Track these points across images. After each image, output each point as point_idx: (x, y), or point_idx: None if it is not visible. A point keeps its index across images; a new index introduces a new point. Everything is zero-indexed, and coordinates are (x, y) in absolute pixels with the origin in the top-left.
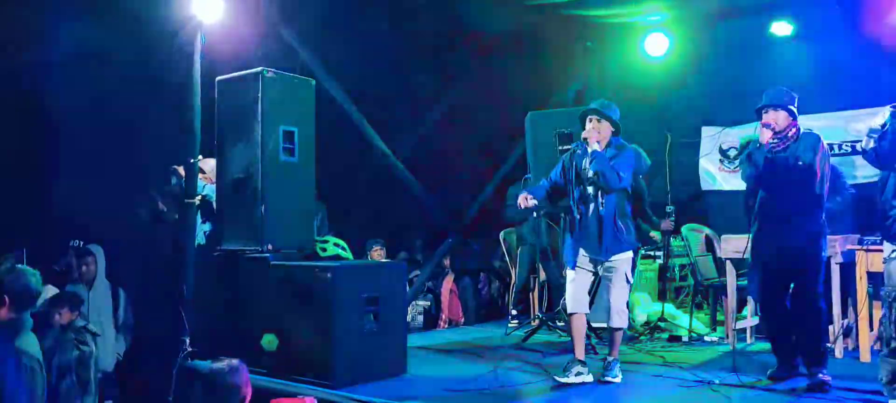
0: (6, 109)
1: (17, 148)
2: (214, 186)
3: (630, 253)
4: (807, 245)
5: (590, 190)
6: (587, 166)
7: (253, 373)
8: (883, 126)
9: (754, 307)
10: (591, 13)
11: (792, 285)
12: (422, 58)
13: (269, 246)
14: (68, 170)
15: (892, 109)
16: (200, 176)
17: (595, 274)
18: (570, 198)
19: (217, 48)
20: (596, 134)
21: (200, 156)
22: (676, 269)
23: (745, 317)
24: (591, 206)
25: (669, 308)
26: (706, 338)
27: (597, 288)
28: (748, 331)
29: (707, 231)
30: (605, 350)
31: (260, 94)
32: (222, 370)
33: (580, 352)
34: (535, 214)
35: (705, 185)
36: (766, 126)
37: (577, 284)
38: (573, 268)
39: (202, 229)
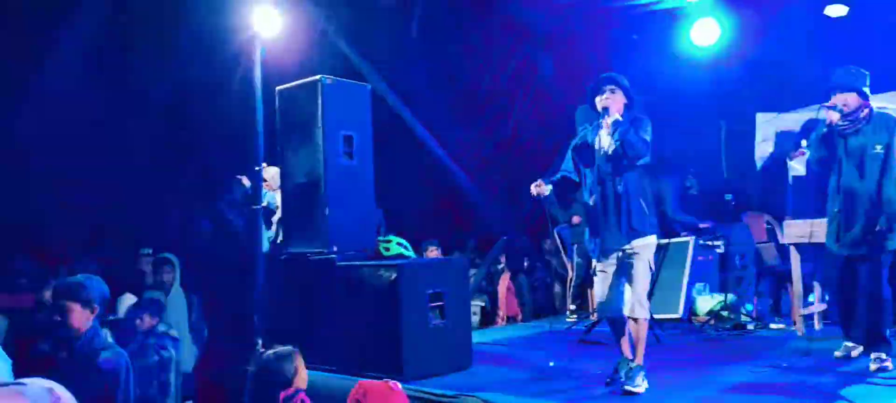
0: (80, 125)
1: (92, 161)
2: (275, 194)
3: (653, 238)
4: (878, 229)
5: (606, 167)
6: (603, 139)
7: (323, 371)
8: None
9: (820, 292)
10: (639, 1)
11: (864, 271)
12: (471, 56)
13: (335, 248)
14: (140, 181)
15: None
16: (263, 184)
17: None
18: (582, 185)
19: (277, 59)
20: (613, 104)
21: (264, 164)
22: (737, 257)
23: (812, 303)
24: (608, 186)
25: (732, 297)
26: (771, 326)
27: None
28: (816, 317)
29: (767, 217)
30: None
31: (320, 101)
32: (271, 356)
33: (627, 351)
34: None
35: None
36: (834, 108)
37: (603, 283)
38: (599, 262)
39: (266, 236)
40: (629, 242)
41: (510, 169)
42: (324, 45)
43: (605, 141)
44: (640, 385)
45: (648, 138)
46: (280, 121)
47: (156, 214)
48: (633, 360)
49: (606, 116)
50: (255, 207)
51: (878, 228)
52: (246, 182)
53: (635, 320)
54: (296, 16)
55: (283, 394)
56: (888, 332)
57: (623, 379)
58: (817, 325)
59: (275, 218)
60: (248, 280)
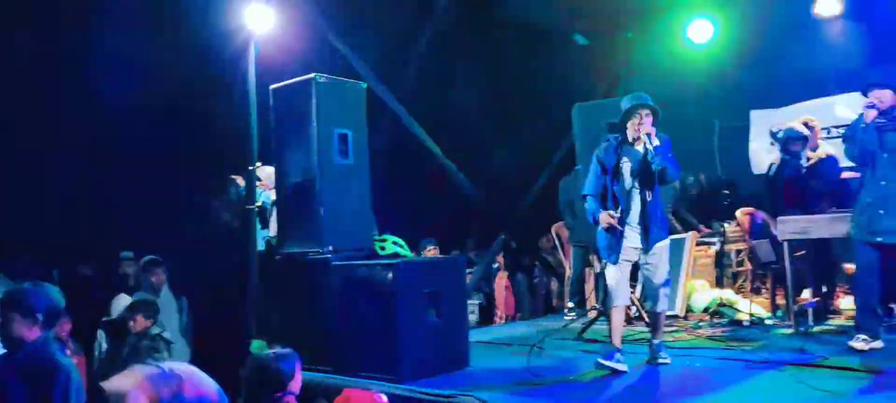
0: (67, 126)
1: (78, 163)
2: (270, 194)
3: (669, 240)
4: None
5: (635, 182)
6: (631, 160)
7: (319, 371)
8: None
9: (814, 288)
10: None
11: (890, 263)
12: (466, 55)
13: (330, 248)
14: (128, 181)
15: None
16: (257, 183)
17: (634, 263)
18: (608, 193)
19: (270, 58)
20: (650, 127)
21: (259, 164)
22: (733, 254)
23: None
24: (637, 198)
25: (728, 293)
26: (767, 322)
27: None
28: (809, 313)
29: (762, 214)
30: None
31: (314, 99)
32: (269, 355)
33: (619, 342)
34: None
35: (757, 169)
36: (871, 106)
37: (621, 277)
38: (615, 263)
39: (261, 236)
40: (653, 246)
41: (508, 168)
42: (318, 43)
43: (631, 160)
44: (667, 356)
45: (678, 164)
46: (274, 120)
47: (148, 214)
48: (656, 338)
49: (648, 140)
50: (249, 207)
51: None
52: (240, 181)
53: (661, 312)
54: (290, 13)
55: (274, 395)
56: None
57: (654, 355)
58: (811, 321)
59: (273, 218)
60: (242, 280)
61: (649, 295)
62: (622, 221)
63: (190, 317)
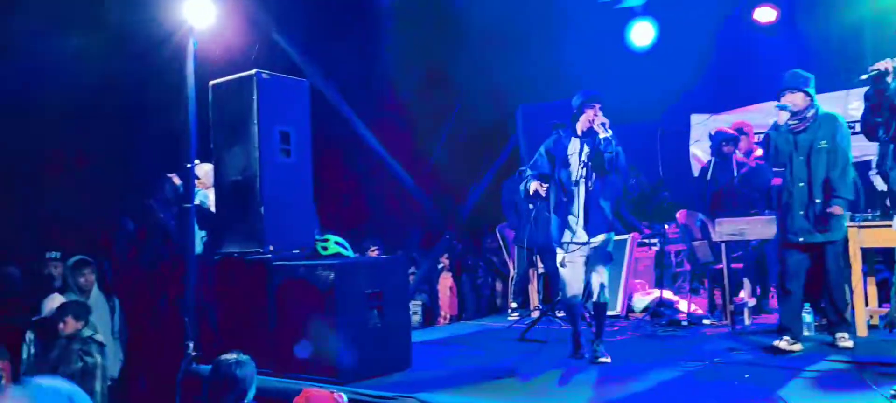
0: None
1: (10, 159)
2: (208, 193)
3: (611, 236)
4: (830, 221)
5: (582, 172)
6: (580, 151)
7: (260, 374)
8: None
9: (750, 288)
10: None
11: (813, 263)
12: (411, 55)
13: (271, 248)
14: (58, 180)
15: None
16: (196, 182)
17: (585, 256)
18: (556, 182)
19: (210, 53)
20: (603, 119)
21: (197, 161)
22: (673, 255)
23: (742, 298)
24: (583, 189)
25: (667, 294)
26: (705, 321)
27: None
28: (746, 312)
29: (701, 216)
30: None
31: (255, 96)
32: (229, 361)
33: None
34: (530, 206)
35: (696, 172)
36: (784, 108)
37: (575, 270)
38: (562, 247)
39: (199, 236)
40: (595, 236)
41: (451, 167)
42: (260, 38)
43: (585, 149)
44: (607, 356)
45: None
46: (213, 117)
47: (80, 214)
48: (599, 337)
49: (603, 128)
50: (186, 206)
51: (831, 215)
52: (176, 180)
53: (603, 304)
54: (230, 6)
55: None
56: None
57: (595, 354)
58: (748, 320)
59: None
60: (178, 281)
61: (589, 287)
62: (568, 211)
63: (123, 319)
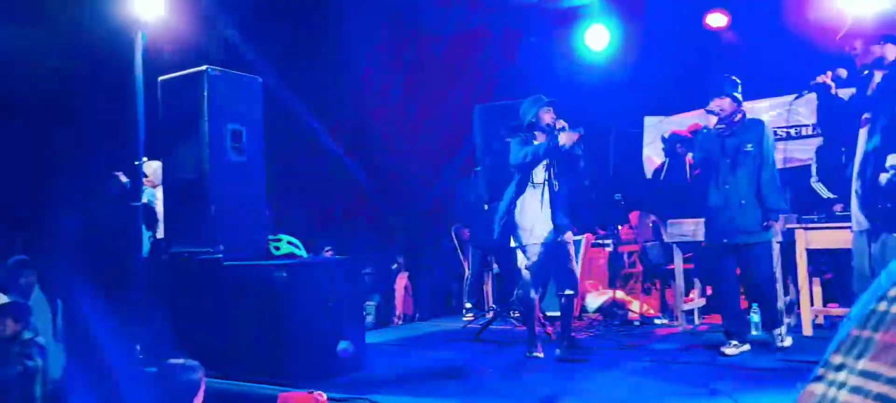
0: None
1: None
2: (156, 191)
3: (573, 233)
4: (756, 225)
5: (545, 174)
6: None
7: (207, 376)
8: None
9: (700, 288)
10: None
11: (743, 263)
12: (368, 53)
13: (221, 247)
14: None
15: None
16: (144, 180)
17: (546, 256)
18: (524, 179)
19: (159, 48)
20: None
21: (145, 159)
22: (626, 256)
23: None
24: (547, 188)
25: (620, 294)
26: (656, 321)
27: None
28: (696, 312)
29: (654, 217)
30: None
31: (205, 93)
32: (177, 366)
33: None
34: (486, 207)
35: (650, 174)
36: (712, 112)
37: (536, 269)
38: (523, 248)
39: (146, 236)
40: (561, 235)
41: (408, 168)
42: (213, 34)
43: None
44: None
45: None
46: (163, 114)
47: (22, 212)
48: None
49: (558, 131)
50: (134, 204)
51: (759, 219)
52: (123, 178)
53: (570, 300)
54: (183, 1)
55: None
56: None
57: (567, 351)
58: (698, 320)
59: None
60: (125, 282)
61: (558, 281)
62: (531, 211)
63: (65, 321)
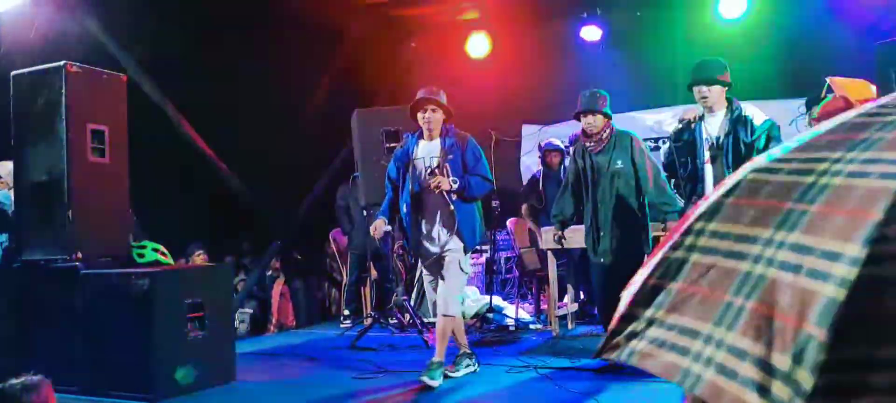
0: None
1: None
2: (10, 193)
3: (461, 243)
4: (630, 238)
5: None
6: (424, 152)
7: (64, 392)
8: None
9: (573, 293)
10: (413, 12)
11: (623, 277)
12: (243, 52)
13: (78, 254)
14: None
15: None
16: None
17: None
18: (404, 189)
19: (14, 41)
20: (435, 124)
21: None
22: (502, 262)
23: (566, 304)
24: (429, 194)
25: (497, 299)
26: (531, 326)
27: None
28: (569, 317)
29: (530, 224)
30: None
31: (64, 90)
32: (15, 387)
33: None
34: (364, 213)
35: (526, 181)
36: (584, 130)
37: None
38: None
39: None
40: (444, 247)
41: (286, 170)
42: (74, 27)
43: (425, 153)
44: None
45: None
46: (15, 111)
47: None
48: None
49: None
50: None
51: (631, 236)
52: None
53: (448, 316)
54: None
55: None
56: None
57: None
58: (571, 325)
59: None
60: None
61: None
62: (416, 218)
63: None
